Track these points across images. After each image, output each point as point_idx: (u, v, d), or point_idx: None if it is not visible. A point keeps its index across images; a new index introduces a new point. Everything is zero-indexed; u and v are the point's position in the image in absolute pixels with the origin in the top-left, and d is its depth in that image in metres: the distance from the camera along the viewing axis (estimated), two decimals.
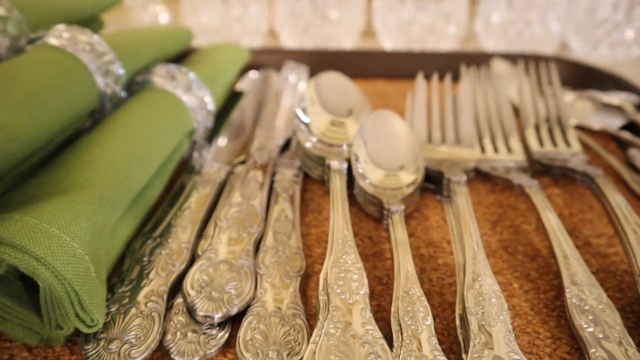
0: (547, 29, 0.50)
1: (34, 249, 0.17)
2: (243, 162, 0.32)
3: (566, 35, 0.52)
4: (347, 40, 0.51)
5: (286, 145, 0.34)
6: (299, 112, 0.32)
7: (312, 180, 0.32)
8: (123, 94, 0.30)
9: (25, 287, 0.19)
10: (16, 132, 0.21)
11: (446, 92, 0.38)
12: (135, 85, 0.32)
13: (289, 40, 0.53)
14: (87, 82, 0.27)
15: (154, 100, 0.30)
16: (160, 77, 0.32)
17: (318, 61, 0.46)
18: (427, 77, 0.45)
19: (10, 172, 0.22)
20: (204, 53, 0.40)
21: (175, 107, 0.31)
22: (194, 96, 0.32)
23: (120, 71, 0.29)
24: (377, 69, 0.46)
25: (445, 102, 0.36)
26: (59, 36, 0.28)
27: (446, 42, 0.51)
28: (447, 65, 0.46)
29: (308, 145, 0.30)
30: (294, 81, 0.43)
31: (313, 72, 0.45)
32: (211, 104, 0.33)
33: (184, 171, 0.31)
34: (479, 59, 0.46)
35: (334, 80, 0.34)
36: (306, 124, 0.31)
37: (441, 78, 0.45)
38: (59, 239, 0.18)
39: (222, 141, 0.35)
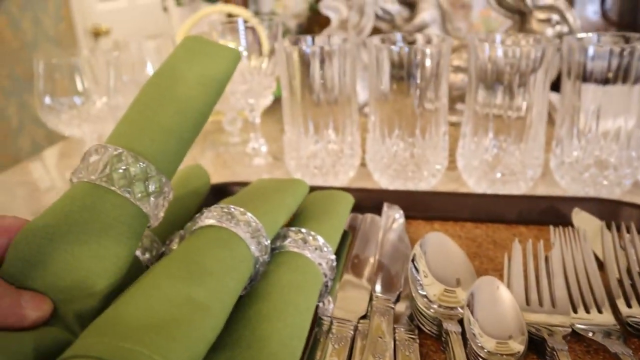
0: (623, 171, 0.55)
1: None
2: (365, 316, 0.37)
3: None
4: (432, 179, 0.57)
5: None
6: (414, 281, 0.37)
7: (425, 334, 0.36)
8: (267, 257, 0.36)
9: None
10: (215, 312, 0.27)
11: (540, 257, 0.42)
12: (272, 250, 0.38)
13: (376, 172, 0.59)
14: (248, 257, 0.33)
15: (295, 265, 0.36)
16: (295, 242, 0.38)
17: (410, 202, 0.52)
18: (509, 221, 0.51)
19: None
20: (317, 201, 0.46)
21: (311, 270, 0.36)
22: (324, 259, 0.38)
23: (267, 242, 0.35)
24: (465, 211, 0.51)
25: (539, 264, 0.41)
26: (219, 217, 0.34)
27: (524, 183, 0.56)
28: (531, 207, 0.50)
29: (424, 309, 0.35)
30: (395, 226, 0.48)
31: (406, 212, 0.51)
32: (335, 261, 0.39)
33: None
34: (559, 204, 0.50)
35: (439, 243, 0.40)
36: (423, 294, 0.36)
37: (524, 222, 0.50)
38: None
39: (341, 289, 0.40)
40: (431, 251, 0.40)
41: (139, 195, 0.30)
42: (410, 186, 0.57)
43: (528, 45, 0.55)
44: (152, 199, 0.31)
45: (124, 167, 0.30)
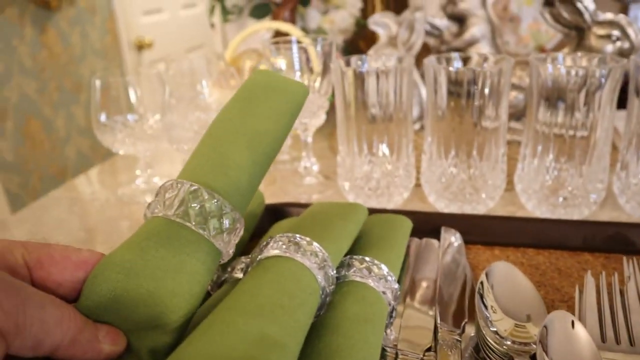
0: None
1: None
2: (429, 349, 0.36)
3: None
4: (490, 201, 0.55)
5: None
6: (482, 316, 0.35)
7: None
8: (333, 287, 0.36)
9: None
10: (289, 349, 0.26)
11: (614, 290, 0.40)
12: (337, 279, 0.37)
13: (431, 194, 0.57)
14: (316, 289, 0.32)
15: (361, 296, 0.35)
16: (360, 272, 0.37)
17: (469, 226, 0.51)
18: (573, 248, 0.49)
19: None
20: (376, 226, 0.46)
21: (376, 300, 0.35)
22: (388, 289, 0.37)
23: (333, 272, 0.35)
24: (526, 236, 0.50)
25: (613, 298, 0.39)
26: (286, 247, 0.33)
27: (586, 208, 0.54)
28: (597, 234, 0.48)
29: (496, 345, 0.34)
30: (454, 252, 0.47)
31: (464, 237, 0.49)
32: (399, 290, 0.38)
33: None
34: (628, 230, 0.48)
35: (506, 274, 0.39)
36: (493, 330, 0.35)
37: (589, 249, 0.48)
38: None
39: (402, 317, 0.39)
40: (498, 283, 0.38)
41: (214, 232, 0.30)
42: (467, 209, 0.56)
43: (592, 65, 0.53)
44: (225, 235, 0.30)
45: (199, 204, 0.30)
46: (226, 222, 0.30)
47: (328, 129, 0.82)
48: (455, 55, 0.56)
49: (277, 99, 0.35)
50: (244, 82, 0.37)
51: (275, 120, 0.35)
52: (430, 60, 0.54)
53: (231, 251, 0.32)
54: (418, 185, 0.60)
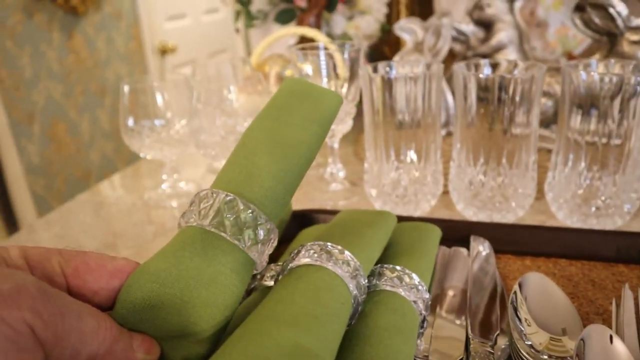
0: None
1: None
2: None
3: None
4: (520, 210, 0.54)
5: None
6: (516, 329, 0.35)
7: None
8: (364, 296, 0.35)
9: None
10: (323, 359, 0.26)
11: None
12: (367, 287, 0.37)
13: (460, 203, 0.57)
14: (348, 298, 0.32)
15: (393, 306, 0.34)
16: (391, 281, 0.36)
17: (499, 235, 0.50)
18: (607, 259, 0.47)
19: None
20: (405, 234, 0.45)
21: (408, 310, 0.35)
22: (420, 298, 0.36)
23: (365, 281, 0.34)
24: (557, 246, 0.49)
25: None
26: (318, 255, 0.33)
27: (620, 218, 0.53)
28: (631, 245, 0.47)
29: (531, 359, 0.33)
30: (484, 261, 0.46)
31: (494, 246, 0.49)
32: (430, 300, 0.37)
33: None
34: None
35: (540, 286, 0.38)
36: (528, 344, 0.34)
37: (623, 261, 0.47)
38: None
39: (433, 327, 0.38)
40: (532, 295, 0.37)
41: (249, 242, 0.30)
42: (497, 218, 0.55)
43: (627, 72, 0.52)
44: (260, 246, 0.30)
45: (235, 214, 0.30)
46: (261, 233, 0.30)
47: (353, 135, 0.82)
48: (484, 61, 0.55)
49: (311, 108, 0.35)
50: (277, 90, 0.37)
51: (309, 130, 0.34)
52: (459, 67, 0.54)
53: (265, 262, 0.32)
54: (445, 192, 0.60)
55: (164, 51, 2.49)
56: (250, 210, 0.30)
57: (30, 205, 1.86)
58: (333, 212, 0.54)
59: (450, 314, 0.40)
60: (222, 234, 0.29)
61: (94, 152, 2.17)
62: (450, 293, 0.43)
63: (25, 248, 0.27)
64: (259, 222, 0.30)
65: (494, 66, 0.57)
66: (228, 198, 0.30)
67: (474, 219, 0.56)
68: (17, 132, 1.79)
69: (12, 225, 1.84)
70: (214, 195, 0.31)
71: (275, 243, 0.32)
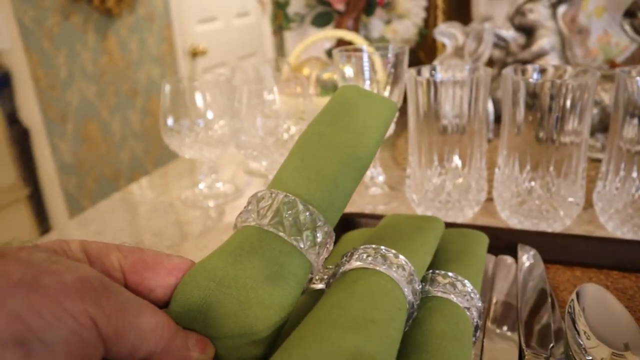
0: None
1: None
2: None
3: None
4: (567, 219, 0.53)
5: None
6: (575, 342, 0.33)
7: None
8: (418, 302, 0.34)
9: None
10: None
11: None
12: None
13: (504, 211, 0.55)
14: (403, 303, 0.31)
15: (447, 313, 0.33)
16: (443, 287, 0.36)
17: (547, 244, 0.48)
18: None
19: None
20: (453, 240, 0.44)
21: (462, 318, 0.34)
22: (473, 306, 0.35)
23: (420, 286, 0.33)
24: (609, 257, 0.47)
25: None
26: (373, 259, 0.32)
27: None
28: None
29: None
30: (534, 271, 0.45)
31: (542, 256, 0.47)
32: (482, 308, 0.36)
33: None
34: None
35: (598, 298, 0.36)
36: (589, 359, 0.33)
37: None
38: None
39: (485, 338, 0.37)
40: (590, 307, 0.36)
41: (308, 243, 0.29)
42: (543, 227, 0.54)
43: None
44: (317, 248, 0.30)
45: (294, 215, 0.29)
46: (319, 236, 0.30)
47: (390, 139, 0.81)
48: (534, 67, 0.54)
49: (367, 114, 0.35)
50: (332, 96, 0.37)
51: (366, 136, 0.34)
52: (508, 72, 0.52)
53: (321, 265, 0.31)
54: (488, 199, 0.58)
55: (194, 54, 2.51)
56: (309, 212, 0.29)
57: (61, 204, 1.89)
58: (374, 216, 0.53)
59: (500, 323, 0.39)
60: (281, 234, 0.28)
61: (124, 152, 2.20)
62: (499, 302, 0.42)
63: (85, 242, 0.27)
64: (317, 225, 0.30)
65: (542, 72, 0.55)
66: (287, 199, 0.30)
67: (519, 227, 0.55)
68: (51, 131, 1.82)
69: (44, 223, 1.88)
70: (273, 195, 0.30)
71: (331, 247, 0.31)
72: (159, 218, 0.68)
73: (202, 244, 0.60)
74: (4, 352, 0.20)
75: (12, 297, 0.20)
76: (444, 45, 1.02)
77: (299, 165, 0.32)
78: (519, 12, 0.85)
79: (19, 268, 0.22)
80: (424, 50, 1.10)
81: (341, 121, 0.34)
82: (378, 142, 0.35)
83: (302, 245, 0.29)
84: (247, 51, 2.84)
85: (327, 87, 0.77)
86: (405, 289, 0.31)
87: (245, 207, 0.31)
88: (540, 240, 0.49)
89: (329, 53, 0.96)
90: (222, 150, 0.68)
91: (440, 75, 0.56)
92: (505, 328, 0.39)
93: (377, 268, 0.31)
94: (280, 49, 1.22)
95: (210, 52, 2.58)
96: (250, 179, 0.78)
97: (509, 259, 0.47)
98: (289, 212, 0.29)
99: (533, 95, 0.51)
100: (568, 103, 0.50)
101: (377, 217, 0.53)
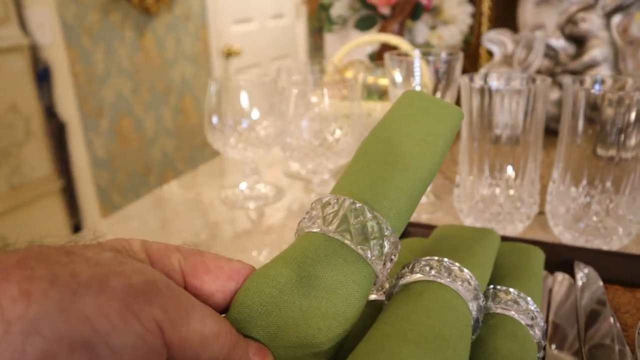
0: None
1: None
2: None
3: None
4: (625, 238, 0.51)
5: None
6: None
7: None
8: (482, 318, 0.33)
9: None
10: None
11: None
12: None
13: (558, 226, 0.53)
14: (469, 319, 0.30)
15: (512, 332, 0.32)
16: (505, 304, 0.34)
17: (605, 263, 0.46)
18: None
19: None
20: (509, 255, 0.42)
21: (527, 338, 0.32)
22: (537, 326, 0.34)
23: (484, 302, 0.32)
24: None
25: None
26: (437, 271, 0.31)
27: None
28: None
29: None
30: (594, 291, 0.43)
31: (600, 274, 0.45)
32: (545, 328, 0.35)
33: None
34: None
35: None
36: None
37: None
38: None
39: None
40: None
41: (375, 253, 0.28)
42: (598, 244, 0.52)
43: None
44: (384, 258, 0.28)
45: (361, 223, 0.28)
46: (386, 245, 0.28)
47: None
48: (597, 77, 0.52)
49: (433, 121, 0.33)
50: (396, 102, 0.35)
51: (432, 144, 0.32)
52: (567, 82, 0.51)
53: (385, 277, 0.30)
54: (539, 213, 0.56)
55: (228, 54, 2.52)
56: (376, 221, 0.28)
57: (93, 197, 1.91)
58: (424, 226, 0.52)
59: (560, 344, 0.37)
60: (347, 242, 0.27)
61: (156, 149, 2.22)
62: (558, 321, 0.40)
63: (146, 242, 0.26)
64: (385, 234, 0.28)
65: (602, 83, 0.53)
66: (355, 205, 0.28)
67: (572, 243, 0.53)
68: (86, 126, 1.84)
69: (75, 215, 1.90)
70: (339, 201, 0.29)
71: (396, 259, 0.30)
72: (200, 217, 0.67)
73: (242, 246, 0.60)
74: (72, 354, 0.19)
75: (80, 299, 0.20)
76: (488, 53, 1.00)
77: (363, 170, 0.31)
78: (571, 21, 0.83)
79: (87, 267, 0.21)
80: (466, 57, 1.08)
81: (405, 128, 0.33)
82: (444, 150, 0.33)
83: (368, 255, 0.27)
84: (280, 53, 2.84)
85: (371, 91, 0.76)
86: (471, 304, 0.30)
87: (308, 213, 0.30)
88: (598, 259, 0.47)
89: (371, 57, 0.95)
90: (266, 151, 0.67)
91: (495, 83, 0.54)
92: (566, 349, 0.37)
93: (442, 281, 0.30)
94: (317, 51, 1.21)
95: (244, 53, 2.59)
96: (290, 181, 0.77)
97: (565, 277, 0.45)
98: (356, 219, 0.28)
99: (593, 107, 0.49)
100: (632, 116, 0.48)
101: (425, 227, 0.52)
